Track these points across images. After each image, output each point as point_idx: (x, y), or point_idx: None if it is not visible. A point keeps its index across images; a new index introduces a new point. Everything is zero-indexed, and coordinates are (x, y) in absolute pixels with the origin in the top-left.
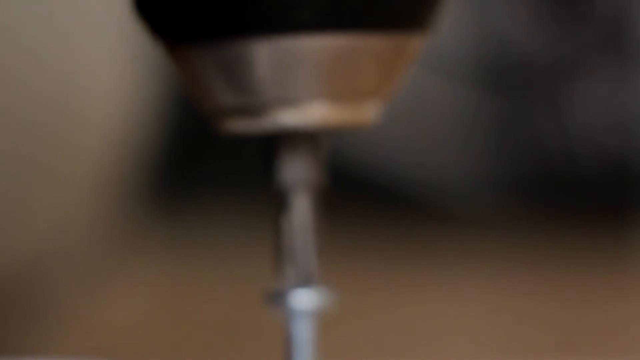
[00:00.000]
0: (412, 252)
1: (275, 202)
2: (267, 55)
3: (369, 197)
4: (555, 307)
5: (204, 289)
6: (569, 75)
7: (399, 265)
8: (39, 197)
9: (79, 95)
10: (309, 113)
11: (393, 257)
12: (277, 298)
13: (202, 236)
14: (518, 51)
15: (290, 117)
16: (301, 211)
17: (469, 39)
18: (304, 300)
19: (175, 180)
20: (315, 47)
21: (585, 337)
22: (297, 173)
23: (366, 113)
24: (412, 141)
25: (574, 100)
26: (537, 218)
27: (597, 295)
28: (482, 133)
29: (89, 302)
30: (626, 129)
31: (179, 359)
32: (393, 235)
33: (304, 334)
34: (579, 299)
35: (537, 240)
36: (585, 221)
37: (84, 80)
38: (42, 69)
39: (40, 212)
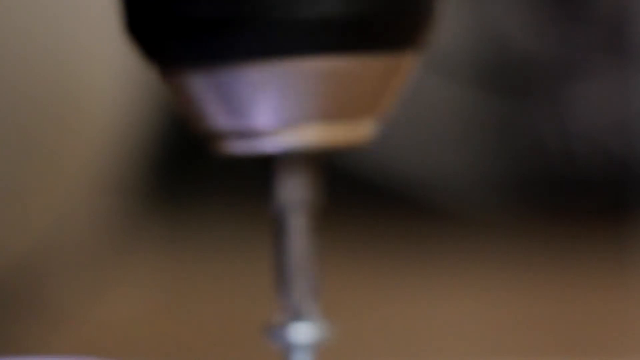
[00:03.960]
0: (411, 252)
1: (274, 225)
2: (261, 78)
3: (368, 197)
4: (555, 307)
5: (203, 288)
6: (569, 75)
7: (398, 265)
8: (37, 194)
9: (78, 92)
10: (305, 134)
11: (392, 256)
12: (274, 332)
13: (201, 234)
14: (518, 51)
15: (286, 138)
16: (299, 235)
17: (469, 39)
18: (302, 333)
19: (175, 178)
20: (309, 69)
21: (585, 337)
22: (294, 194)
23: (361, 132)
24: (411, 141)
25: (574, 100)
26: (537, 218)
27: (597, 295)
28: (482, 133)
29: (86, 301)
30: (626, 128)
31: (177, 358)
32: (392, 235)
33: None
34: (579, 299)
35: (537, 240)
36: (585, 221)
37: (82, 76)
38: (40, 66)
39: (39, 210)
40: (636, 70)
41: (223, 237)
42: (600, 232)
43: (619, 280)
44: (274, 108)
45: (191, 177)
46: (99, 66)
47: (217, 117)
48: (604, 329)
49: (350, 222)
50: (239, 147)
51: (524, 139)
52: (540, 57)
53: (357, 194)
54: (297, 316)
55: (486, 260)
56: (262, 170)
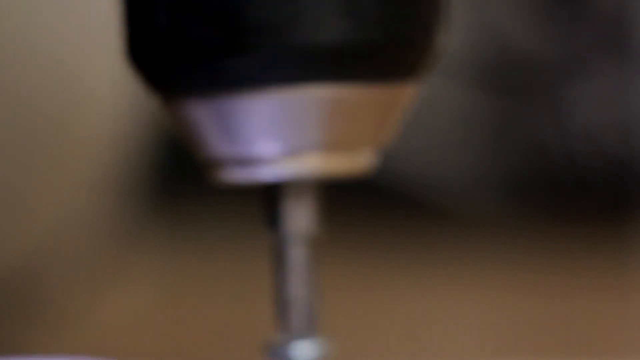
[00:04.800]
0: (411, 252)
1: (274, 251)
2: (262, 106)
3: (368, 197)
4: (555, 307)
5: (204, 289)
6: (569, 75)
7: (398, 265)
8: (39, 194)
9: (79, 93)
10: (305, 163)
11: (392, 256)
12: (276, 350)
13: (203, 235)
14: (518, 51)
15: (286, 167)
16: (299, 261)
17: (470, 39)
18: (304, 352)
19: (175, 180)
20: (310, 97)
21: (585, 337)
22: (294, 223)
23: (362, 161)
24: (411, 141)
25: (574, 100)
26: (537, 218)
27: (597, 295)
28: (482, 133)
29: (88, 301)
30: (626, 128)
31: (178, 358)
32: (392, 235)
33: None
34: (578, 299)
35: (537, 240)
36: (585, 221)
37: (83, 78)
38: (41, 70)
39: (40, 211)
40: (636, 70)
41: (224, 238)
42: (601, 232)
43: (619, 280)
44: (274, 136)
45: (192, 179)
46: (99, 69)
47: (217, 144)
48: (604, 329)
49: (349, 222)
50: (238, 175)
51: (524, 139)
52: (540, 57)
53: (357, 193)
54: (297, 335)
55: (486, 260)
56: (261, 200)
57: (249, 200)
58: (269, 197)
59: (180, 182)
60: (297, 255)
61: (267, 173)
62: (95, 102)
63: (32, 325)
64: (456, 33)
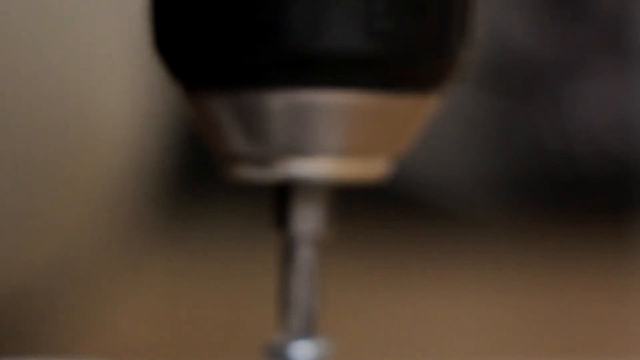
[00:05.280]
0: (411, 252)
1: (282, 251)
2: (282, 106)
3: (367, 197)
4: (555, 307)
5: (212, 294)
6: (569, 75)
7: (398, 265)
8: (52, 205)
9: (92, 106)
10: (320, 165)
11: (393, 256)
12: (277, 350)
13: (210, 242)
14: (518, 51)
15: (301, 168)
16: (305, 262)
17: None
18: (304, 352)
19: (184, 189)
20: (331, 102)
21: (585, 337)
22: (304, 223)
23: (376, 169)
24: None
25: (574, 100)
26: (537, 218)
27: (597, 295)
28: (482, 133)
29: (99, 308)
30: (626, 128)
31: (183, 358)
32: (392, 235)
33: None
34: (579, 299)
35: (537, 240)
36: (585, 221)
37: (95, 90)
38: (55, 79)
39: (53, 222)
40: (636, 70)
41: (231, 245)
42: (600, 232)
43: (619, 280)
44: (291, 137)
45: (199, 189)
46: (112, 80)
47: (235, 141)
48: (604, 329)
49: (348, 222)
50: (252, 174)
51: (524, 139)
52: (541, 57)
53: (355, 193)
54: (297, 335)
55: (486, 260)
56: (272, 200)
57: (256, 210)
58: (280, 198)
59: (187, 194)
60: (304, 257)
61: (282, 173)
62: (107, 117)
63: (44, 332)
64: None
